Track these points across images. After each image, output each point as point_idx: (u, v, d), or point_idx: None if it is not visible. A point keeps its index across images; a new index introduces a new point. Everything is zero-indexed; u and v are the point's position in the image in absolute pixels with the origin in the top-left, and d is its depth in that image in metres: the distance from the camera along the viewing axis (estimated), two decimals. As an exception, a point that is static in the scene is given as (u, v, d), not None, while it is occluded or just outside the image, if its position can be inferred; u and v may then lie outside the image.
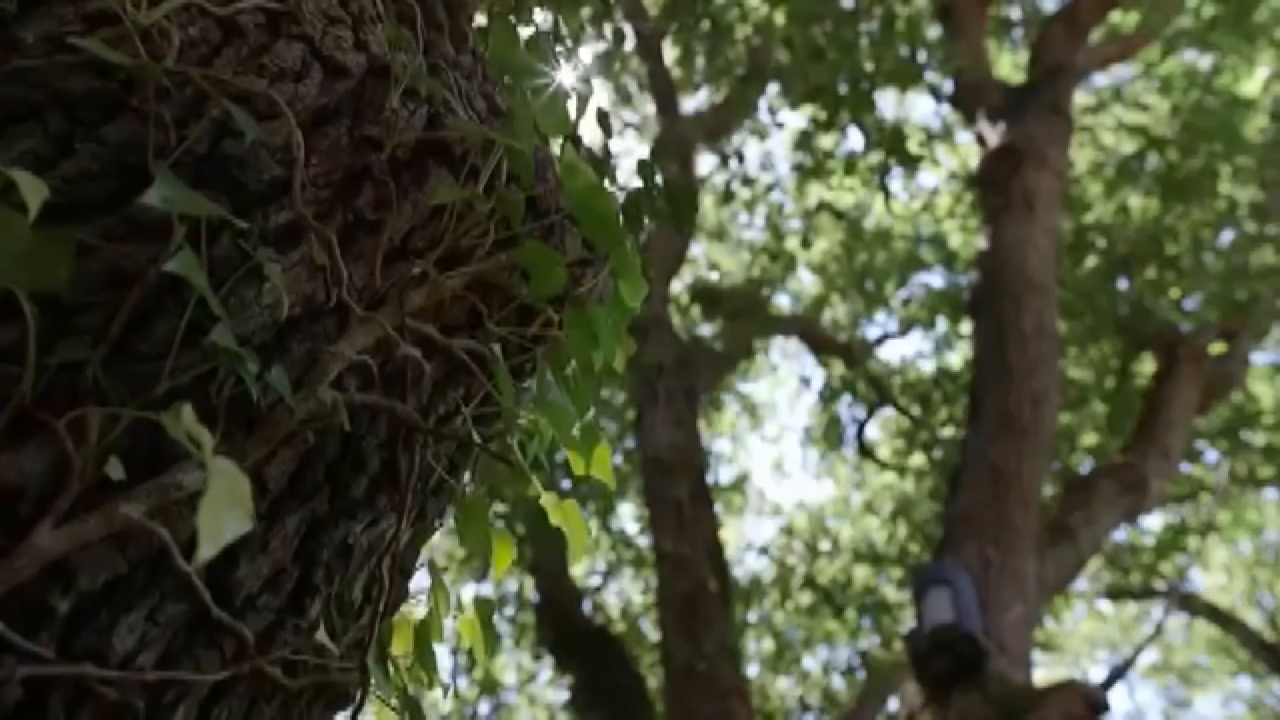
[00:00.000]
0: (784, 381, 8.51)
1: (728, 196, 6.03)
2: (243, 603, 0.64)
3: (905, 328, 7.43)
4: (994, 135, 5.66)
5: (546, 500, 0.89)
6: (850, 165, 5.91)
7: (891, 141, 5.32)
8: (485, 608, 0.85)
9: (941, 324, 7.18)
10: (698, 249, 7.17)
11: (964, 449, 4.27)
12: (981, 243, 5.07)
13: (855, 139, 6.62)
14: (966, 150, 6.68)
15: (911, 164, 5.68)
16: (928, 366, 6.98)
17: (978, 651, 3.31)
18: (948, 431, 6.30)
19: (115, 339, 0.61)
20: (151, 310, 0.63)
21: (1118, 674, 3.81)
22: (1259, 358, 6.68)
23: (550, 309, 0.86)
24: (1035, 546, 3.93)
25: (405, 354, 0.73)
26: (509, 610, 6.06)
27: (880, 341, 7.47)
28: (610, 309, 0.85)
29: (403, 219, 0.77)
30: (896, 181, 7.08)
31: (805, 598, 6.23)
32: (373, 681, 0.72)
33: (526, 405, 0.84)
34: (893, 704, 6.05)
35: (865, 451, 7.43)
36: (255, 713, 0.66)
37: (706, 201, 6.96)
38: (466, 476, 0.85)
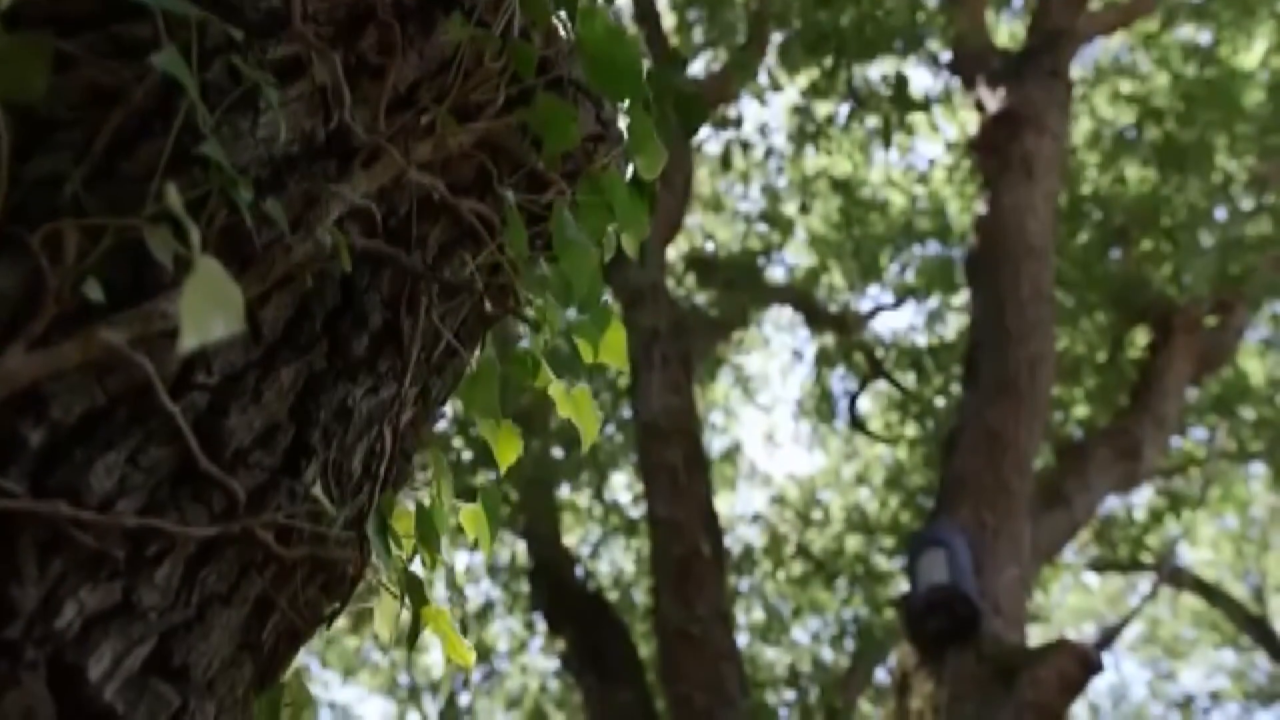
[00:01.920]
0: (776, 354, 8.49)
1: (726, 162, 5.96)
2: (233, 456, 0.59)
3: (899, 300, 7.41)
4: (993, 101, 5.60)
5: (555, 389, 0.85)
6: (855, 114, 5.83)
7: (896, 88, 5.25)
8: (493, 495, 0.80)
9: (935, 298, 7.16)
10: (693, 220, 7.10)
11: (960, 412, 4.25)
12: (980, 207, 5.02)
13: (852, 108, 6.54)
14: (965, 119, 6.63)
15: (917, 109, 5.61)
16: (921, 339, 6.95)
17: (973, 611, 3.31)
18: (941, 401, 6.29)
19: (98, 159, 0.55)
20: (137, 132, 0.57)
21: (1112, 634, 3.82)
22: (1250, 335, 6.70)
23: (562, 181, 0.81)
24: (1030, 510, 3.93)
25: (410, 206, 0.68)
26: (502, 578, 6.04)
27: (874, 314, 7.44)
28: (627, 179, 0.80)
29: (408, 68, 0.71)
30: (894, 151, 7.03)
31: (796, 567, 6.24)
32: (373, 556, 0.67)
33: (537, 279, 0.79)
34: (881, 675, 6.09)
35: (857, 424, 7.43)
36: (246, 581, 0.62)
37: (702, 172, 6.89)
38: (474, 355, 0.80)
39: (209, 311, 0.44)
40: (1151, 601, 7.39)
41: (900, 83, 5.24)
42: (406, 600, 0.72)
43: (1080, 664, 3.11)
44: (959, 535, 3.53)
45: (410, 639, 0.71)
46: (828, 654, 6.24)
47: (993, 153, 5.18)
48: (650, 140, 0.80)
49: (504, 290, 0.78)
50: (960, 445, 4.04)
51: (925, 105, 5.69)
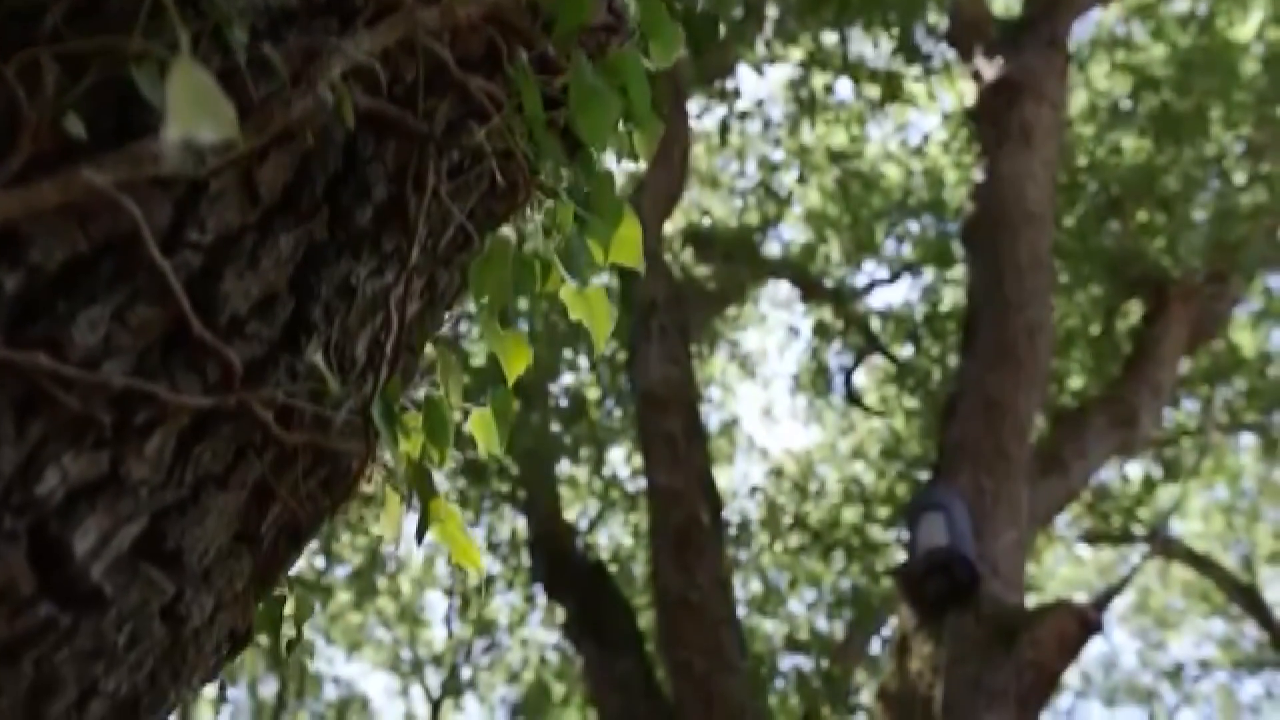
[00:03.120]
0: (773, 331, 8.45)
1: (724, 131, 5.90)
2: (229, 324, 0.55)
3: (895, 274, 7.38)
4: (991, 71, 5.55)
5: (567, 291, 0.80)
6: (856, 70, 5.76)
7: (901, 40, 5.19)
8: (504, 398, 0.76)
9: (930, 273, 7.13)
10: (689, 198, 7.04)
11: (959, 380, 4.23)
12: (978, 175, 4.98)
13: (848, 86, 6.48)
14: (963, 90, 6.57)
15: (921, 61, 5.54)
16: (918, 311, 6.93)
17: (972, 574, 3.29)
18: (937, 372, 6.28)
19: (76, -7, 0.51)
20: (119, -32, 0.52)
21: (1110, 595, 3.83)
22: (1241, 309, 6.70)
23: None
24: (1028, 475, 3.92)
25: (417, 75, 0.63)
26: (502, 552, 6.02)
27: (870, 288, 7.41)
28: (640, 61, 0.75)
29: (411, -72, 0.66)
30: (890, 122, 6.97)
31: (793, 539, 6.24)
32: (378, 443, 0.63)
33: (549, 168, 0.74)
34: (877, 647, 6.12)
35: (853, 398, 7.41)
36: (244, 464, 0.57)
37: (699, 149, 6.82)
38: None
39: (197, 108, 0.39)
40: (1148, 564, 7.43)
41: (905, 35, 5.18)
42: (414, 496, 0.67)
43: (1079, 624, 3.11)
44: (958, 499, 3.52)
45: (418, 533, 0.67)
46: (824, 625, 6.25)
47: (991, 121, 5.13)
48: (664, 26, 0.76)
49: (514, 175, 0.74)
50: (959, 411, 4.02)
51: (929, 56, 5.62)
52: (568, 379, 5.98)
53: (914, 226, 7.20)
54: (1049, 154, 4.93)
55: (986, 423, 3.92)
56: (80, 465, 0.48)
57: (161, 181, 0.50)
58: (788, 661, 5.84)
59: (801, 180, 6.28)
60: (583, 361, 5.99)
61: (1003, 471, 3.78)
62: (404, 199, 0.64)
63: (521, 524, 5.57)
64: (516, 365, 0.81)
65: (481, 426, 0.77)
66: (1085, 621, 3.12)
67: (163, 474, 0.52)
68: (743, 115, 5.97)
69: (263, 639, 0.71)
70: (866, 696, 5.55)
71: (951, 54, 6.33)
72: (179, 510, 0.54)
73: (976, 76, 5.79)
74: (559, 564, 4.78)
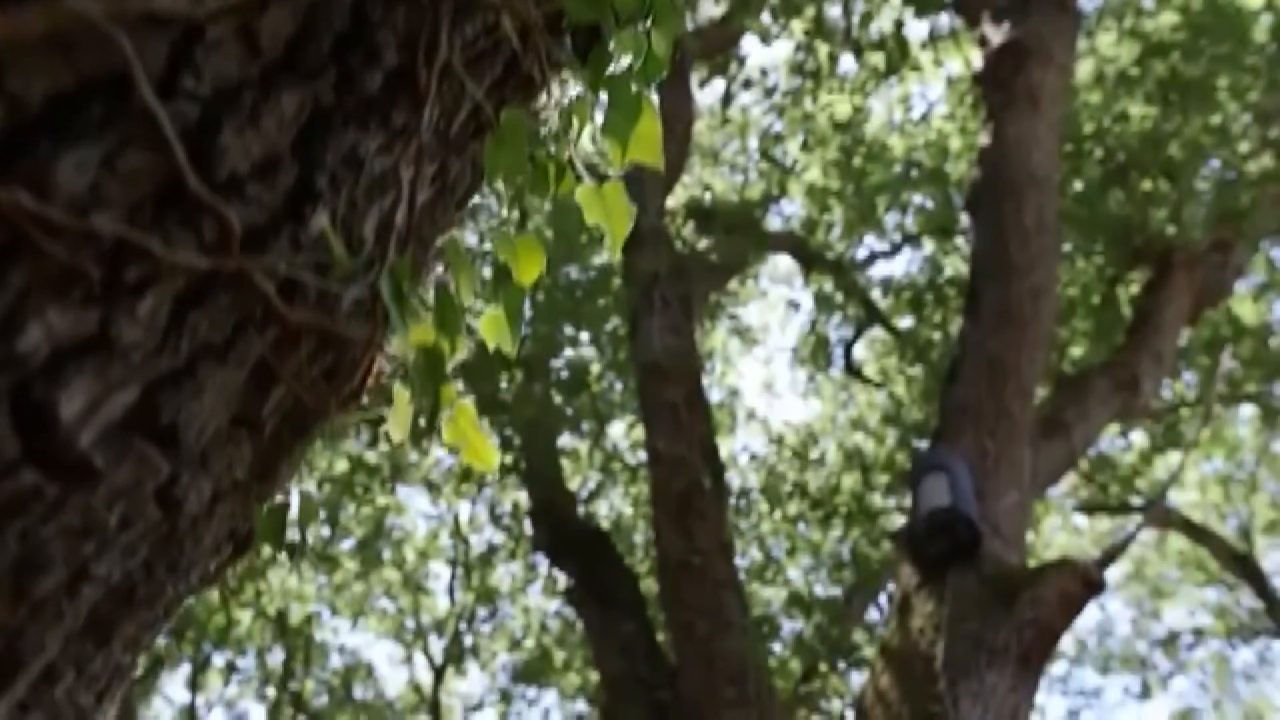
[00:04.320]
0: (774, 306, 8.42)
1: (727, 100, 5.81)
2: (227, 182, 0.51)
3: (896, 247, 7.32)
4: (998, 35, 5.47)
5: (583, 192, 0.76)
6: (859, 40, 5.68)
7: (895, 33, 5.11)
8: (516, 293, 0.73)
9: (931, 245, 7.07)
10: (691, 176, 6.97)
11: (961, 341, 4.20)
12: (983, 139, 4.92)
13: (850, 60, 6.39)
14: (969, 55, 6.48)
15: (930, 10, 5.46)
16: (919, 280, 6.89)
17: (974, 534, 3.28)
18: (938, 340, 6.25)
19: None
20: None
21: (1113, 555, 3.83)
22: (1243, 283, 6.67)
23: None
24: (1031, 438, 3.90)
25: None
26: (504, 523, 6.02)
27: (871, 260, 7.36)
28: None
29: None
30: (895, 90, 6.88)
31: (792, 507, 6.24)
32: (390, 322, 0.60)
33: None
34: (874, 615, 6.14)
35: (853, 371, 7.39)
36: (244, 339, 0.54)
37: (700, 125, 6.74)
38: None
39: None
40: (1145, 533, 7.46)
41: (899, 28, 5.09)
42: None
43: (1082, 583, 3.10)
44: (960, 460, 3.50)
45: (428, 420, 0.64)
46: (823, 590, 6.28)
47: (998, 85, 5.05)
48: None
49: (530, 65, 0.69)
50: (961, 374, 3.99)
51: (939, 4, 5.52)
52: (569, 356, 5.96)
53: (916, 198, 7.14)
54: (1056, 117, 4.86)
55: (989, 385, 3.89)
56: (67, 322, 0.45)
57: (155, 20, 0.46)
58: (788, 627, 5.87)
59: (806, 148, 6.21)
60: (584, 337, 5.97)
61: (1005, 433, 3.77)
62: (415, 70, 0.60)
63: (523, 497, 5.57)
64: (530, 269, 0.77)
65: (493, 326, 0.73)
66: (1088, 580, 3.12)
67: (156, 339, 0.49)
68: (746, 83, 5.89)
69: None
70: (869, 654, 5.59)
71: (958, 21, 6.24)
72: (174, 382, 0.51)
73: (983, 41, 5.70)
74: (561, 531, 4.78)
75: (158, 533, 0.53)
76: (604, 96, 0.76)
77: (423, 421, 0.64)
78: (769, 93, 6.30)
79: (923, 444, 5.66)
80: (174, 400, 0.51)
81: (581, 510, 5.69)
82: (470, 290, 0.70)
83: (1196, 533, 7.68)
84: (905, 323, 6.94)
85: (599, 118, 0.78)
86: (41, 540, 0.46)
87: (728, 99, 5.88)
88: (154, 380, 0.49)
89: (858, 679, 5.52)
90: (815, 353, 7.61)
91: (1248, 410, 7.71)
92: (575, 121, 0.78)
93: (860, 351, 7.57)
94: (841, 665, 5.55)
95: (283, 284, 0.54)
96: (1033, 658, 3.10)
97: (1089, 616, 8.76)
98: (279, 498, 0.68)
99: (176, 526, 0.54)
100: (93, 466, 0.47)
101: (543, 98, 0.75)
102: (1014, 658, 3.04)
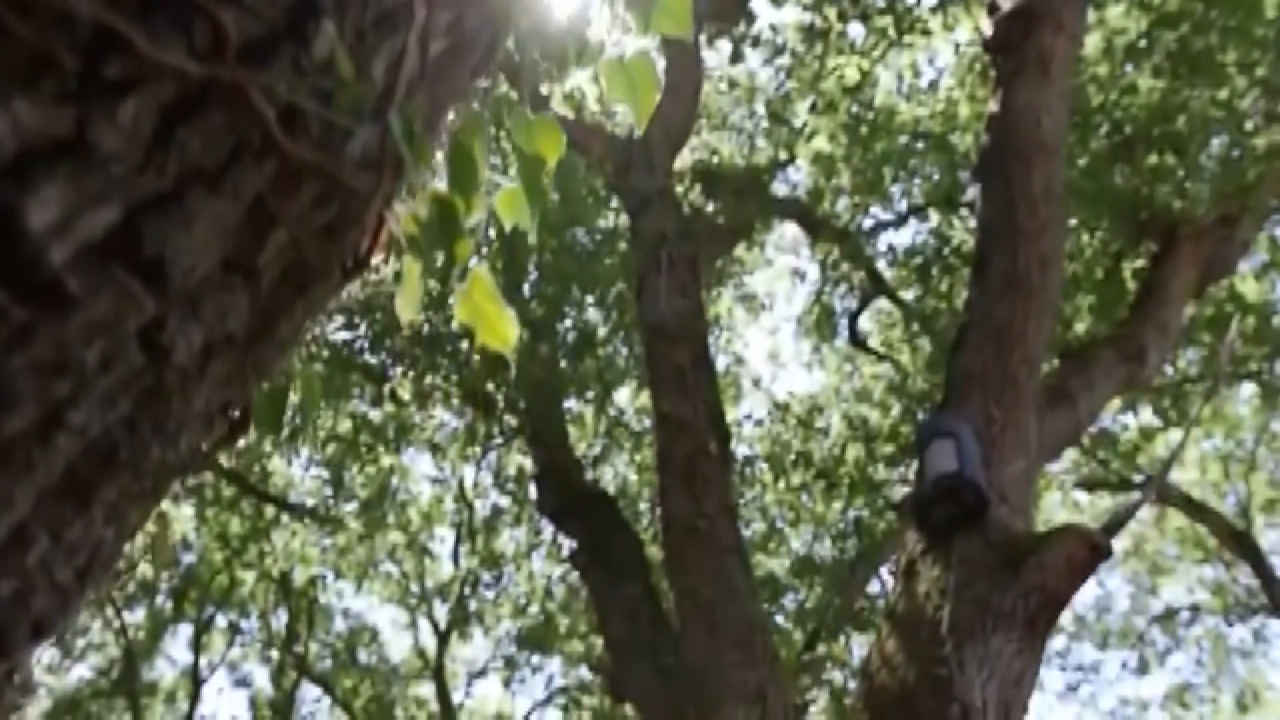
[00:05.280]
0: (780, 275, 8.36)
1: (736, 57, 5.71)
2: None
3: (902, 217, 7.25)
4: (1008, 1, 5.37)
5: (607, 66, 0.71)
6: (867, 6, 5.58)
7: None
8: (533, 165, 0.67)
9: (937, 215, 7.00)
10: (698, 140, 6.88)
11: (968, 308, 4.14)
12: (993, 106, 4.83)
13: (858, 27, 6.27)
14: (978, 22, 6.37)
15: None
16: (926, 250, 6.82)
17: (981, 499, 3.25)
18: (944, 310, 6.20)
19: None
20: None
21: (1120, 522, 3.80)
22: (1247, 262, 6.61)
23: None
24: (1037, 408, 3.86)
25: None
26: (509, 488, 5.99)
27: (877, 230, 7.29)
28: None
29: None
30: (903, 56, 6.78)
31: (796, 477, 6.22)
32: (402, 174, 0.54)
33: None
34: (875, 586, 6.14)
35: (857, 342, 7.35)
36: (239, 168, 0.48)
37: (707, 87, 6.64)
38: None
39: None
40: (1146, 507, 7.46)
41: None
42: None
43: (1088, 548, 3.07)
44: (967, 425, 3.46)
45: (443, 274, 0.58)
46: (827, 556, 6.26)
47: (1008, 51, 4.96)
48: None
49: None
50: (968, 341, 3.94)
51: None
52: (574, 319, 5.90)
53: (923, 168, 7.05)
54: (1065, 85, 4.77)
55: (996, 352, 3.84)
56: (37, 117, 0.39)
57: None
58: (790, 597, 5.87)
59: (814, 110, 6.12)
60: (589, 300, 5.91)
61: (1011, 400, 3.72)
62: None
63: (528, 462, 5.54)
64: (550, 151, 0.72)
65: (510, 203, 0.68)
66: (1094, 546, 3.08)
67: (139, 153, 0.43)
68: (755, 41, 5.79)
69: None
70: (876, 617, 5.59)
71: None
72: (159, 208, 0.45)
73: (993, 8, 5.60)
74: (566, 494, 4.75)
75: (141, 383, 0.48)
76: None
77: (434, 289, 0.58)
78: (778, 51, 6.20)
79: (928, 412, 5.64)
80: (160, 228, 0.45)
81: (587, 476, 5.66)
82: (486, 151, 0.64)
83: (1195, 510, 7.68)
84: (910, 294, 6.89)
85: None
86: (8, 371, 0.41)
87: (736, 56, 5.79)
88: (137, 202, 0.44)
89: (860, 650, 5.52)
90: (820, 324, 7.57)
91: (1248, 389, 7.69)
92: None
93: (865, 323, 7.53)
94: (844, 636, 5.55)
95: (283, 112, 0.49)
96: (1039, 623, 3.08)
97: (1088, 592, 8.80)
98: (279, 378, 0.62)
99: (163, 379, 0.49)
100: (67, 291, 0.42)
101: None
102: (1020, 622, 3.01)
